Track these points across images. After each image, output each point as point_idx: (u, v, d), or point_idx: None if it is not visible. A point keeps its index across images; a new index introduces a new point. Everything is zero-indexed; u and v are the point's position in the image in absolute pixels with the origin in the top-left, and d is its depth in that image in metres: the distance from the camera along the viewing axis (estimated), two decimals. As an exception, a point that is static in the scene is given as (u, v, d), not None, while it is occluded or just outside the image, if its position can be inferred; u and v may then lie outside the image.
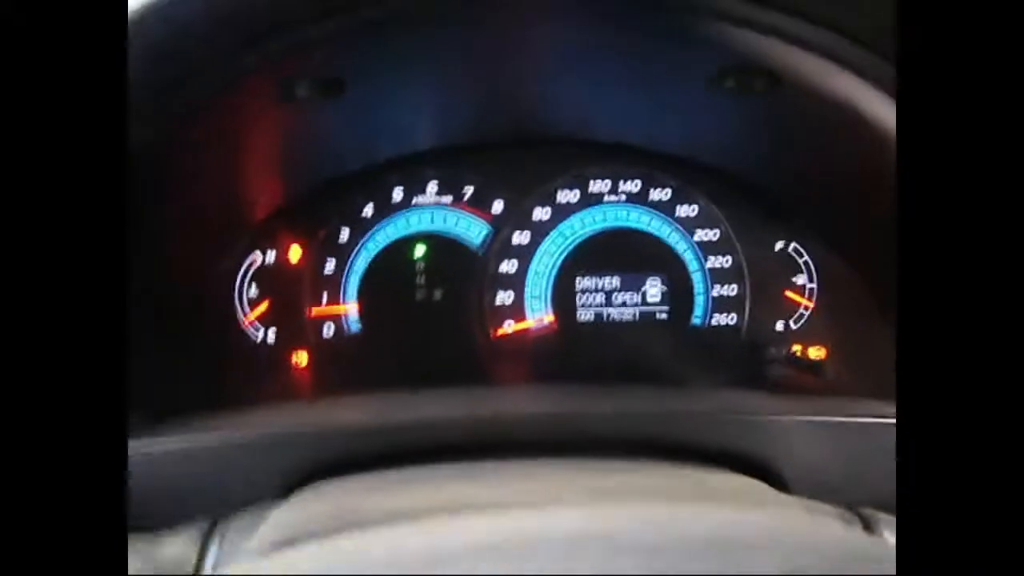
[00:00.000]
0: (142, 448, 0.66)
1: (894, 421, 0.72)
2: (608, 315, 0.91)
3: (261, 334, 0.89)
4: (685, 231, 0.91)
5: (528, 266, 0.91)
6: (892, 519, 0.52)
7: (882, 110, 0.59)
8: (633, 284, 0.91)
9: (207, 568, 0.49)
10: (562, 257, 0.91)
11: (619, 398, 0.77)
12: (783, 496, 0.55)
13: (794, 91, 0.61)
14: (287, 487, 0.64)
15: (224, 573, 0.46)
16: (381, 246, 0.90)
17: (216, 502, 0.59)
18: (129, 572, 0.48)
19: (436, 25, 0.59)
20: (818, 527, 0.35)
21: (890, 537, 0.49)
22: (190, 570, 0.50)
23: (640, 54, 0.64)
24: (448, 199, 0.91)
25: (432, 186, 0.91)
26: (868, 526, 0.51)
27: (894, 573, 0.29)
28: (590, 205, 0.91)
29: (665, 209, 0.91)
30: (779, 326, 0.90)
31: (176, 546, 0.52)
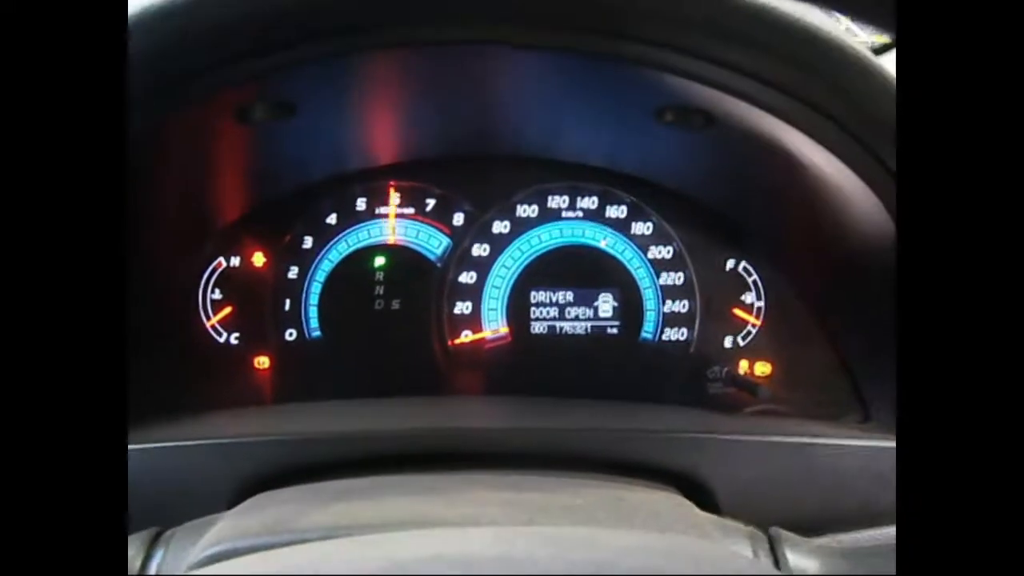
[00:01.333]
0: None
1: (825, 441, 0.76)
2: (561, 328, 0.94)
3: (224, 337, 0.91)
4: (639, 248, 0.94)
5: (486, 278, 0.94)
6: (797, 539, 0.55)
7: (815, 154, 0.62)
8: (586, 299, 0.94)
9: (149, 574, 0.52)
10: (519, 270, 0.94)
11: (565, 413, 0.81)
12: (701, 515, 0.58)
13: (729, 129, 0.64)
14: (241, 493, 0.66)
15: None
16: (343, 254, 0.93)
17: (170, 507, 0.61)
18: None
19: (396, 60, 0.61)
20: (705, 555, 0.38)
21: (792, 557, 0.53)
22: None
23: (590, 91, 0.67)
24: (410, 211, 0.93)
25: (395, 197, 0.93)
26: (772, 545, 0.54)
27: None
28: (548, 220, 0.94)
29: (621, 226, 0.94)
30: (727, 342, 0.94)
31: (122, 551, 0.54)
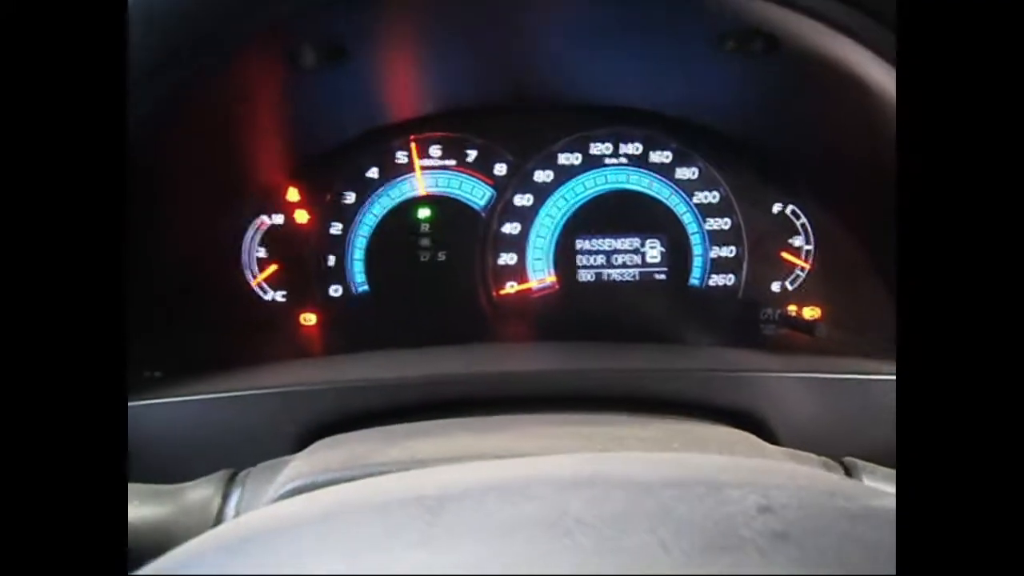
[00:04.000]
0: (159, 404, 0.70)
1: (884, 377, 0.75)
2: (608, 275, 0.93)
3: (270, 295, 0.92)
4: (685, 193, 0.92)
5: (530, 228, 0.93)
6: (872, 467, 0.55)
7: (879, 74, 0.60)
8: (632, 245, 0.93)
9: (229, 512, 0.53)
10: (564, 219, 0.93)
11: (618, 356, 0.80)
12: (770, 446, 0.58)
13: (792, 54, 0.62)
14: (300, 441, 0.67)
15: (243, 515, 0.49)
16: (386, 208, 0.92)
17: (233, 456, 0.62)
18: (155, 517, 0.52)
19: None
20: (799, 470, 0.38)
21: (869, 481, 0.52)
22: (214, 515, 0.53)
23: (641, 18, 0.65)
24: (452, 162, 0.92)
25: (436, 149, 0.92)
26: (848, 472, 0.54)
27: (870, 509, 0.32)
28: (591, 168, 0.92)
29: (665, 172, 0.92)
30: (775, 287, 0.93)
31: (201, 492, 0.55)
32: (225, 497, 0.54)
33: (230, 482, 0.55)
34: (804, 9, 0.53)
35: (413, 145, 0.91)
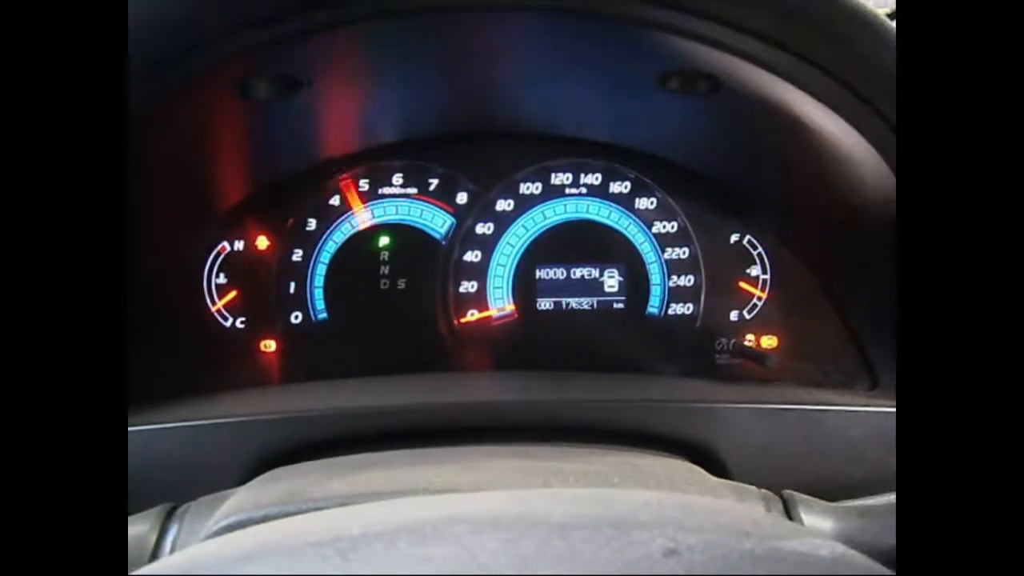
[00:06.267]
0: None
1: (835, 408, 0.76)
2: (567, 304, 0.94)
3: (230, 321, 0.91)
4: (643, 223, 0.94)
5: (491, 256, 0.93)
6: (811, 500, 0.55)
7: (818, 114, 0.62)
8: (591, 275, 0.94)
9: (166, 549, 0.52)
10: (524, 248, 0.94)
11: (574, 385, 0.81)
12: (713, 480, 0.58)
13: (735, 94, 0.63)
14: (252, 472, 0.66)
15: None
16: (347, 235, 0.92)
17: (182, 486, 0.62)
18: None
19: (393, 30, 0.60)
20: (721, 507, 0.38)
21: (806, 518, 0.53)
22: (149, 551, 0.52)
23: (592, 54, 0.66)
24: (413, 190, 0.93)
25: (397, 178, 0.93)
26: (787, 506, 0.55)
27: (777, 551, 0.32)
28: (552, 197, 0.94)
29: (624, 202, 0.94)
30: (733, 315, 0.94)
31: (137, 528, 0.54)
32: (162, 533, 0.53)
33: (168, 517, 0.55)
34: (741, 53, 0.54)
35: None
